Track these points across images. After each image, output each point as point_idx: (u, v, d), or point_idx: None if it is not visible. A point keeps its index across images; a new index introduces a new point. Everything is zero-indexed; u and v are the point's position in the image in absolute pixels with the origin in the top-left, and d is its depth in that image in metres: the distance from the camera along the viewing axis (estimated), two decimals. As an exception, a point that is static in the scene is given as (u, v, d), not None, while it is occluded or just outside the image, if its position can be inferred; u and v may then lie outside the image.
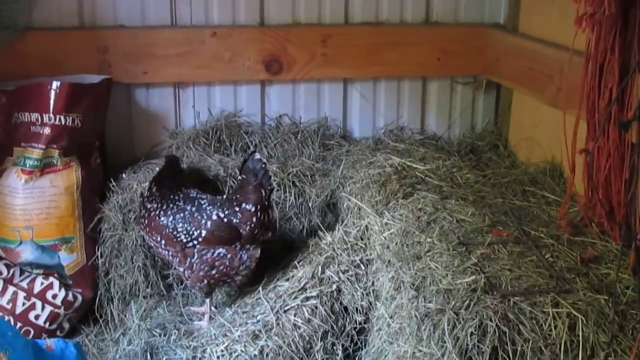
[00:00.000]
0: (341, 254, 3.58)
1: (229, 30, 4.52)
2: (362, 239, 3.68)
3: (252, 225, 3.57)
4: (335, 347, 3.37)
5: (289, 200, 4.18)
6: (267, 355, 3.23)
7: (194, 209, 3.65)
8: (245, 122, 4.71)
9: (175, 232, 3.61)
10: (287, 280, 3.58)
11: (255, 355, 3.22)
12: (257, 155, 3.60)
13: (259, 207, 3.57)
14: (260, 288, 3.59)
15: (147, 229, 3.71)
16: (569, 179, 3.50)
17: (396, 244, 3.36)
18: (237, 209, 3.59)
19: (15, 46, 4.16)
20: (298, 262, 3.67)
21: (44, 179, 3.95)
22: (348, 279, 3.49)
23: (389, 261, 3.29)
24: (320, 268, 3.52)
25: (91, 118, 4.07)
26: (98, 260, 4.03)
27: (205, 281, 3.62)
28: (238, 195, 3.62)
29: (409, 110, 4.95)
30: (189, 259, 3.61)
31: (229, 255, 3.58)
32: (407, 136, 4.87)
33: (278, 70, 4.61)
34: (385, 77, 4.85)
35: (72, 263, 4.02)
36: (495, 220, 3.53)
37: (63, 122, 3.94)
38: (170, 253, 3.66)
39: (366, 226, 3.68)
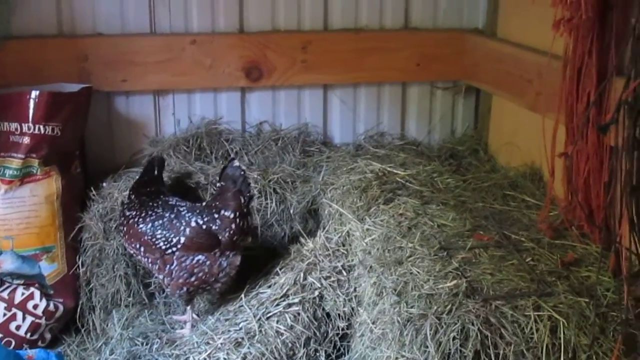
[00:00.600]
0: (323, 260, 3.58)
1: (209, 37, 4.52)
2: (343, 245, 3.68)
3: (231, 232, 3.56)
4: (318, 354, 3.37)
5: (270, 207, 4.17)
6: (250, 362, 3.23)
7: (172, 215, 3.64)
8: (225, 130, 4.70)
9: (154, 239, 3.60)
10: (269, 287, 3.57)
11: (238, 363, 3.21)
12: (236, 163, 3.60)
13: (237, 213, 3.56)
14: (242, 295, 3.58)
15: (127, 236, 3.70)
16: (548, 182, 3.52)
17: (378, 249, 3.36)
18: (216, 215, 3.58)
19: (-6, 55, 4.16)
20: (280, 269, 3.66)
21: (24, 189, 3.93)
22: (330, 285, 3.49)
23: (370, 267, 3.29)
24: (302, 274, 3.52)
25: (71, 127, 4.05)
26: (79, 269, 4.02)
27: (185, 288, 3.60)
28: (217, 202, 3.62)
29: (389, 115, 4.96)
30: (168, 266, 3.59)
31: (208, 262, 3.57)
32: (387, 142, 4.87)
33: (258, 77, 4.61)
34: (365, 82, 4.86)
35: (53, 273, 4.00)
36: (476, 224, 3.54)
37: (43, 132, 3.92)
38: (150, 260, 3.64)
39: (347, 232, 3.68)
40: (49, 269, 3.99)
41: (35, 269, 3.97)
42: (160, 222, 3.63)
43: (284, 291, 3.47)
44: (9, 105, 3.92)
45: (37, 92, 3.91)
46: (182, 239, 3.58)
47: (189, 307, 3.73)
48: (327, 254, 3.62)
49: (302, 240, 3.82)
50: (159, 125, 4.67)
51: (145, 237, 3.62)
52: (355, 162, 4.27)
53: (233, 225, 3.56)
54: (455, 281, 2.92)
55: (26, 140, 3.91)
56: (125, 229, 3.71)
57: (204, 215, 3.60)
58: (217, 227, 3.56)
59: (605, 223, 3.17)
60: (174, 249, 3.58)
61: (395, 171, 4.10)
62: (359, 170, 4.12)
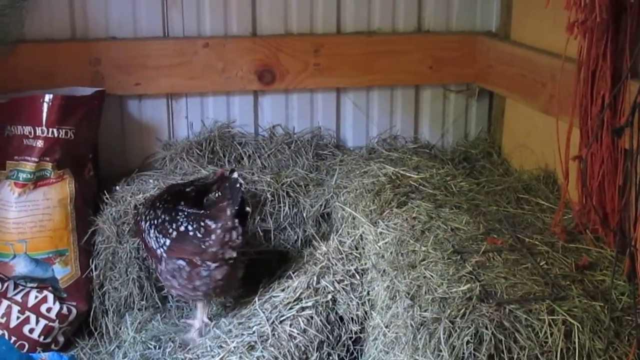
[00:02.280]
0: (336, 264, 3.57)
1: (222, 41, 4.53)
2: (356, 249, 3.67)
3: (211, 243, 3.49)
4: (331, 357, 3.36)
5: (283, 210, 4.17)
6: (262, 366, 3.23)
7: (167, 218, 3.63)
8: (238, 133, 4.71)
9: (148, 238, 3.64)
10: (283, 290, 3.56)
11: (250, 367, 3.21)
12: (235, 175, 3.56)
13: (220, 225, 3.48)
14: (256, 299, 3.58)
15: (135, 227, 3.81)
16: (562, 185, 3.51)
17: (391, 253, 3.35)
18: (202, 224, 3.53)
19: (7, 59, 4.16)
20: (293, 273, 3.66)
21: (37, 192, 3.94)
22: (343, 288, 3.48)
23: (384, 270, 3.28)
24: (315, 278, 3.51)
25: (84, 130, 4.06)
26: (92, 272, 4.02)
27: (172, 292, 3.66)
28: (209, 211, 3.59)
29: (402, 119, 4.95)
30: (158, 265, 3.63)
31: (187, 269, 3.54)
32: (400, 145, 4.87)
33: (271, 80, 4.61)
34: (378, 86, 4.86)
35: (66, 276, 4.00)
36: (490, 228, 3.52)
37: (56, 135, 3.93)
38: (149, 257, 3.75)
39: (361, 235, 3.67)
40: (62, 272, 4.00)
41: (48, 272, 3.98)
42: (156, 222, 3.63)
43: (297, 295, 3.46)
44: (22, 108, 3.93)
45: (51, 96, 3.92)
46: (168, 242, 3.57)
47: (198, 312, 3.73)
48: (341, 257, 3.62)
49: (315, 243, 3.82)
50: (172, 128, 4.67)
51: (143, 234, 3.68)
52: (368, 165, 4.26)
53: (213, 236, 3.48)
54: (468, 285, 2.91)
55: (39, 143, 3.92)
56: (132, 223, 3.82)
57: (194, 223, 3.58)
58: (201, 236, 3.51)
59: (619, 226, 3.14)
60: (161, 250, 3.59)
61: (408, 174, 4.09)
62: (372, 174, 4.12)
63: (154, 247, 3.60)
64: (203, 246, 3.49)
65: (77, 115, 4.00)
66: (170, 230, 3.57)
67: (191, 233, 3.53)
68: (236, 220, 3.46)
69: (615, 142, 3.14)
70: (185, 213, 3.64)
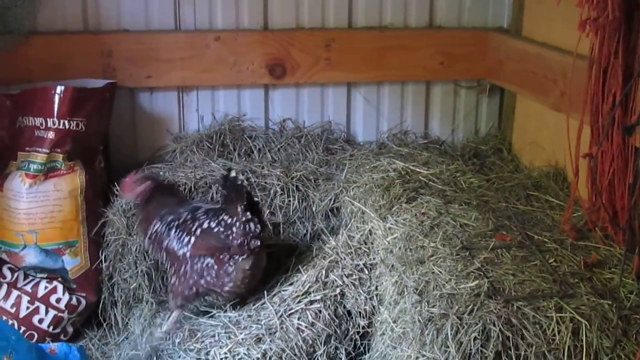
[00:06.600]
0: (345, 258, 3.58)
1: (233, 34, 4.53)
2: (365, 243, 3.67)
3: (234, 235, 3.49)
4: (338, 351, 3.37)
5: (293, 204, 4.18)
6: (270, 358, 3.22)
7: (190, 217, 3.65)
8: (249, 127, 4.71)
9: (167, 240, 3.64)
10: (291, 284, 3.58)
11: (258, 359, 3.21)
12: (233, 173, 3.57)
13: (236, 218, 3.49)
14: (264, 292, 3.59)
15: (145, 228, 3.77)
16: (572, 183, 3.49)
17: (399, 248, 3.35)
18: (221, 219, 3.54)
19: (20, 50, 4.18)
20: (302, 266, 3.67)
21: (48, 183, 3.95)
22: (352, 283, 3.49)
23: (392, 265, 3.29)
24: (324, 272, 3.52)
25: (95, 122, 4.07)
26: (102, 264, 4.04)
27: (195, 289, 3.58)
28: (223, 207, 3.61)
29: (413, 114, 4.95)
30: (181, 268, 3.60)
31: (215, 267, 3.55)
32: (410, 140, 4.86)
33: (282, 74, 4.61)
34: (388, 81, 4.85)
35: (76, 267, 4.02)
36: (499, 224, 3.52)
37: (67, 127, 3.95)
38: (167, 263, 3.69)
39: (370, 230, 3.68)
40: (71, 263, 4.02)
41: (58, 263, 4.00)
42: (177, 222, 3.64)
43: (306, 288, 3.47)
44: (34, 100, 3.95)
45: (62, 87, 3.94)
46: (193, 240, 3.57)
47: (175, 313, 3.67)
48: (349, 252, 3.62)
49: (324, 237, 3.84)
50: (183, 121, 4.68)
51: (161, 237, 3.67)
52: (378, 160, 4.26)
53: (234, 229, 3.49)
54: (477, 281, 2.91)
55: (51, 135, 3.94)
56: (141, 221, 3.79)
57: (214, 218, 3.58)
58: (223, 230, 3.53)
59: (629, 225, 3.14)
60: (185, 249, 3.59)
61: (418, 170, 4.09)
62: (382, 169, 4.12)
63: (176, 247, 3.60)
64: (227, 240, 3.50)
65: (88, 107, 4.02)
66: (194, 228, 3.59)
67: (215, 229, 3.54)
68: (248, 213, 3.47)
69: (626, 140, 3.13)
70: (204, 210, 3.65)
